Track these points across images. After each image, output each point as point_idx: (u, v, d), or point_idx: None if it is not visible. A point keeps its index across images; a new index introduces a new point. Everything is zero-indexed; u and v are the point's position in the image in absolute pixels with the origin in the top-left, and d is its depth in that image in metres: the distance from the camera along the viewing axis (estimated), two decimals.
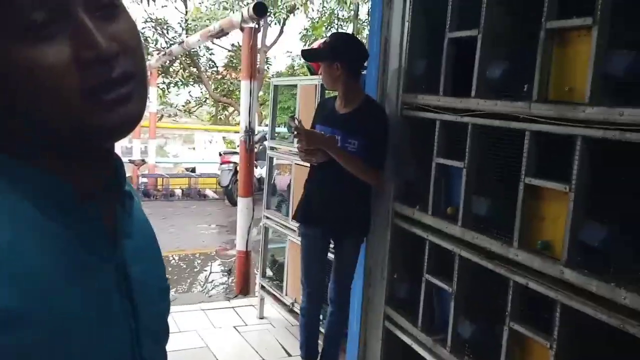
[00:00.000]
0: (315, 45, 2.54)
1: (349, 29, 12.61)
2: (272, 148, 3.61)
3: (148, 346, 0.55)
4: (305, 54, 2.59)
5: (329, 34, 13.29)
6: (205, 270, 6.03)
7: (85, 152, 0.49)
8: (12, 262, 0.43)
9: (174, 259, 6.21)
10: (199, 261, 6.30)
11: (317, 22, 12.64)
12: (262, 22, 4.22)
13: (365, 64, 2.40)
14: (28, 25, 0.42)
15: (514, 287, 1.58)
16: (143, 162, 9.24)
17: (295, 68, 13.53)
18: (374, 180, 2.28)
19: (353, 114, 2.31)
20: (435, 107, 1.96)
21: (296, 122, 2.31)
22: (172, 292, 5.12)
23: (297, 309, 3.59)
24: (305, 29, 12.81)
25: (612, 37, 1.34)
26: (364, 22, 8.86)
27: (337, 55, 2.29)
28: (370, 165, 2.25)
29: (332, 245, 2.52)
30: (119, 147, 9.19)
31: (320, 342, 2.60)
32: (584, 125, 1.37)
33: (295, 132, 2.28)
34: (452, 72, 1.92)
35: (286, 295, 3.38)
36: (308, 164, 2.50)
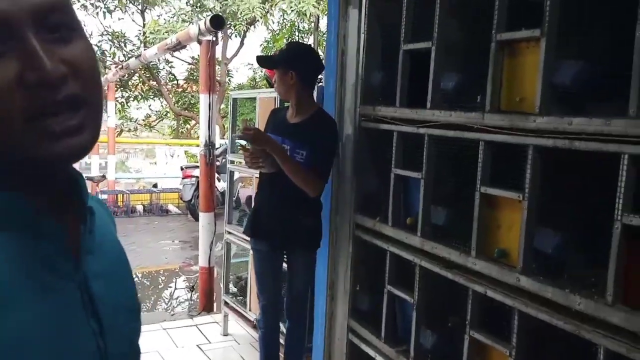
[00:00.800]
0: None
1: (309, 40, 12.69)
2: (232, 162, 3.56)
3: None
4: (261, 60, 2.59)
5: None
6: (170, 287, 5.89)
7: (38, 176, 0.48)
8: None
9: (137, 276, 6.04)
10: (163, 278, 6.14)
11: (278, 34, 12.66)
12: (220, 35, 4.18)
13: (321, 76, 2.40)
14: None
15: (473, 296, 1.59)
16: (103, 177, 9.00)
17: (257, 80, 13.50)
18: (313, 191, 2.24)
19: (303, 124, 2.29)
20: (392, 118, 1.97)
21: (247, 123, 2.30)
22: None
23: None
24: (266, 41, 12.82)
25: (559, 48, 1.38)
26: (324, 34, 8.93)
27: (291, 64, 2.27)
28: (313, 176, 2.24)
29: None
30: (78, 163, 8.91)
31: (281, 355, 2.56)
32: (535, 134, 1.40)
33: (244, 132, 2.23)
34: (408, 83, 1.94)
35: (250, 310, 3.32)
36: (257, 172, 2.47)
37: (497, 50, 1.54)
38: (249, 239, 2.53)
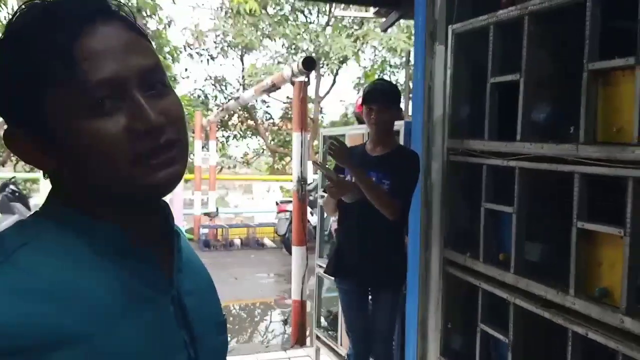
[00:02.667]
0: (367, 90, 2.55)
1: (401, 75, 12.78)
2: (323, 196, 3.66)
3: None
4: (374, 97, 2.39)
5: None
6: (265, 320, 6.05)
7: (138, 206, 0.58)
8: (73, 292, 0.51)
9: (234, 308, 6.29)
10: (259, 310, 6.34)
11: (370, 70, 12.92)
12: (312, 75, 4.38)
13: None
14: (94, 103, 0.52)
15: (573, 337, 1.49)
16: (217, 214, 9.59)
17: (348, 116, 13.79)
18: (393, 213, 2.25)
19: (388, 157, 2.35)
20: (481, 151, 1.95)
21: (318, 163, 2.38)
22: (232, 342, 5.14)
23: None
24: (358, 78, 13.12)
25: None
26: None
27: (399, 101, 2.40)
28: (392, 197, 2.26)
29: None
30: (182, 199, 9.59)
31: None
32: (634, 166, 1.33)
33: (330, 145, 2.31)
34: (497, 115, 1.92)
35: (341, 345, 3.33)
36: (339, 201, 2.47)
37: (590, 80, 1.49)
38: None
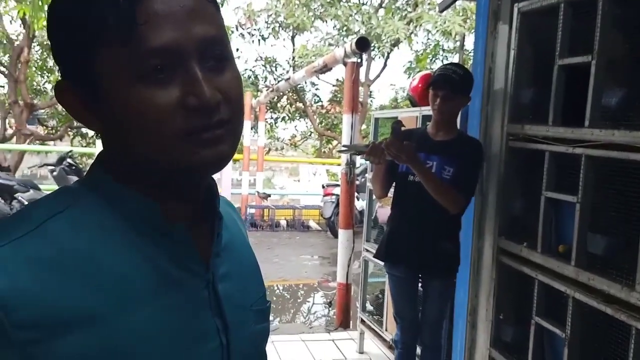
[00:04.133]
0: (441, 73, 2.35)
1: (454, 60, 12.42)
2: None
3: None
4: (441, 83, 2.27)
5: (433, 66, 13.09)
6: (308, 302, 6.12)
7: (181, 183, 0.55)
8: (98, 269, 0.48)
9: (278, 288, 6.39)
10: (302, 292, 6.41)
11: (422, 54, 12.63)
12: (365, 56, 4.32)
13: None
14: (148, 70, 0.48)
15: (636, 336, 1.41)
16: (268, 195, 9.70)
17: (398, 101, 13.57)
18: (456, 207, 2.18)
19: (452, 143, 2.26)
20: (544, 137, 1.86)
21: (344, 147, 2.29)
22: (275, 322, 5.25)
23: None
24: (409, 62, 12.86)
25: None
26: (469, 52, 8.69)
27: (469, 89, 2.26)
28: (455, 192, 2.18)
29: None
30: (230, 179, 9.80)
31: None
32: None
33: (394, 135, 2.21)
34: (564, 100, 1.82)
35: (386, 330, 3.32)
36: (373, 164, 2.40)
37: None
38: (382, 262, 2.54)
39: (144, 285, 0.51)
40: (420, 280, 2.45)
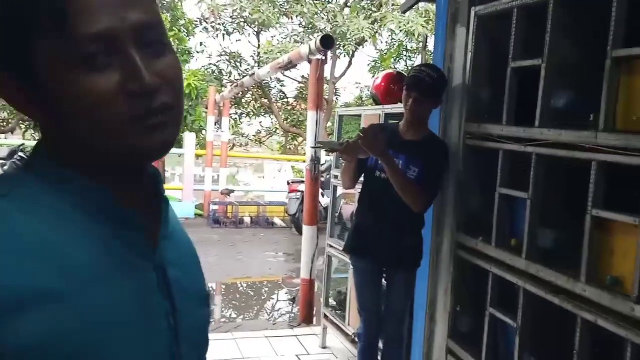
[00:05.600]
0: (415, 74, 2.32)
1: (417, 60, 12.64)
2: (336, 177, 3.67)
3: (186, 348, 0.59)
4: (413, 84, 2.30)
5: (397, 65, 13.22)
6: (272, 298, 6.11)
7: (126, 168, 0.56)
8: (50, 248, 0.48)
9: (241, 285, 6.37)
10: (266, 289, 6.40)
11: (386, 53, 12.78)
12: (329, 54, 4.35)
13: None
14: (84, 56, 0.48)
15: (582, 324, 1.50)
16: (230, 191, 9.61)
17: (363, 99, 13.70)
18: (419, 206, 2.24)
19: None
20: (499, 136, 1.94)
21: (317, 143, 2.34)
22: (238, 319, 5.21)
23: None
24: (373, 61, 13.00)
25: None
26: (431, 53, 8.85)
27: (442, 92, 2.28)
28: (421, 190, 2.24)
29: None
30: (192, 175, 9.65)
31: None
32: None
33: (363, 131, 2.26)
34: (516, 100, 1.90)
35: (349, 325, 3.38)
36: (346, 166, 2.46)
37: (613, 67, 1.47)
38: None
39: (97, 266, 0.51)
40: (384, 273, 2.51)
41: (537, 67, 1.74)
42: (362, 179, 2.51)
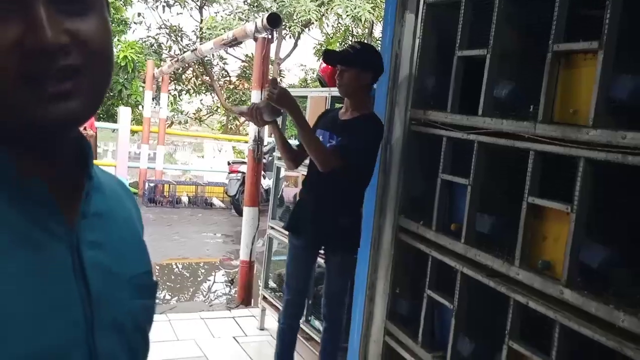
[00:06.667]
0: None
1: None
2: (279, 158, 3.63)
3: (107, 339, 0.53)
4: (332, 56, 2.41)
5: None
6: (209, 280, 6.03)
7: (33, 138, 0.48)
8: None
9: (177, 266, 6.22)
10: (203, 270, 6.30)
11: (332, 37, 12.76)
12: (275, 34, 4.27)
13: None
14: None
15: (514, 306, 1.58)
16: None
17: (308, 82, 13.65)
18: (325, 165, 2.22)
19: (352, 121, 2.33)
20: (443, 123, 1.98)
21: (276, 81, 2.31)
22: (172, 301, 5.09)
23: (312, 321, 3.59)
24: (319, 44, 12.94)
25: (617, 62, 1.36)
26: (377, 40, 8.94)
27: (368, 64, 2.28)
28: (330, 151, 2.25)
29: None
30: (127, 151, 9.27)
31: (298, 353, 2.60)
32: (587, 147, 1.39)
33: (271, 90, 2.23)
34: (461, 89, 1.95)
35: None
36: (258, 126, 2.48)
37: (553, 61, 1.53)
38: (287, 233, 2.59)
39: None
40: (323, 257, 2.52)
41: (482, 57, 1.79)
42: (307, 161, 2.50)
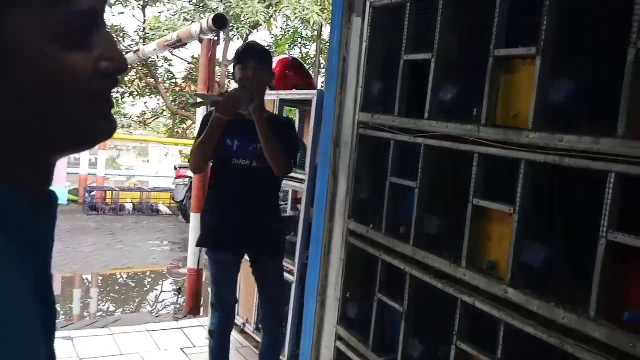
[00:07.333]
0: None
1: (312, 48, 12.74)
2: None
3: None
4: (253, 53, 2.36)
5: (292, 52, 13.20)
6: (156, 290, 5.84)
7: (45, 163, 0.50)
8: None
9: (121, 277, 5.99)
10: (149, 280, 6.10)
11: (281, 39, 12.72)
12: (222, 35, 4.19)
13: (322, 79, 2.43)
14: (64, 32, 0.45)
15: (462, 307, 1.60)
16: None
17: None
18: (285, 168, 2.28)
19: (268, 123, 2.27)
20: (390, 127, 2.00)
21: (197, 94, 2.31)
22: (117, 313, 4.88)
23: (248, 329, 3.52)
24: (268, 46, 12.86)
25: (554, 67, 1.41)
26: (326, 42, 8.98)
27: (271, 65, 2.40)
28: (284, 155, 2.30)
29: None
30: (67, 158, 8.86)
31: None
32: (527, 149, 1.43)
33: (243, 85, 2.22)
34: (408, 93, 1.96)
35: (237, 315, 3.31)
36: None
37: (495, 66, 1.57)
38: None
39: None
40: (253, 263, 2.48)
41: (427, 61, 1.81)
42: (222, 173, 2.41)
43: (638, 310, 1.18)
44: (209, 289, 3.75)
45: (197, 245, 2.53)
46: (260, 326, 3.02)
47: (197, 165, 2.38)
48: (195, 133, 4.10)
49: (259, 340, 2.94)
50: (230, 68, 12.45)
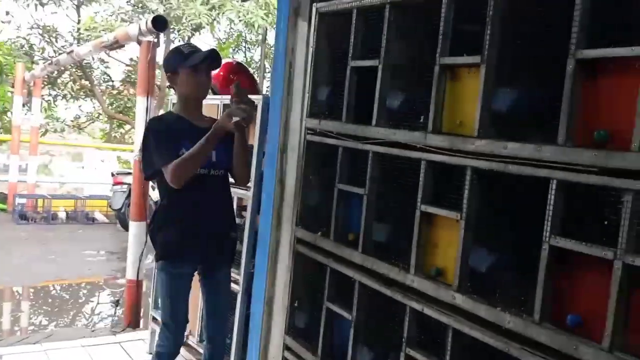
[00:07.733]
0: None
1: (256, 52, 12.63)
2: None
3: None
4: (217, 57, 2.32)
5: (236, 55, 13.07)
6: (92, 302, 5.55)
7: None
8: None
9: (54, 289, 5.65)
10: (84, 291, 5.79)
11: (225, 43, 12.52)
12: (162, 37, 4.06)
13: (267, 85, 2.39)
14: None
15: (410, 313, 1.60)
16: None
17: None
18: (249, 177, 2.39)
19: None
20: (338, 133, 1.98)
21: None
22: (50, 327, 4.61)
23: (192, 342, 3.39)
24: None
25: (497, 75, 1.44)
26: (271, 47, 8.92)
27: None
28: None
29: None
30: None
31: None
32: (473, 156, 1.45)
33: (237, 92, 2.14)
34: (355, 100, 1.96)
35: None
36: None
37: (440, 74, 1.58)
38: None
39: None
40: (204, 276, 2.39)
41: (374, 67, 1.81)
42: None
43: (580, 314, 1.21)
44: (150, 301, 3.59)
45: (159, 260, 2.28)
46: (203, 338, 2.90)
47: (185, 179, 2.12)
48: (137, 139, 3.93)
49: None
50: None
